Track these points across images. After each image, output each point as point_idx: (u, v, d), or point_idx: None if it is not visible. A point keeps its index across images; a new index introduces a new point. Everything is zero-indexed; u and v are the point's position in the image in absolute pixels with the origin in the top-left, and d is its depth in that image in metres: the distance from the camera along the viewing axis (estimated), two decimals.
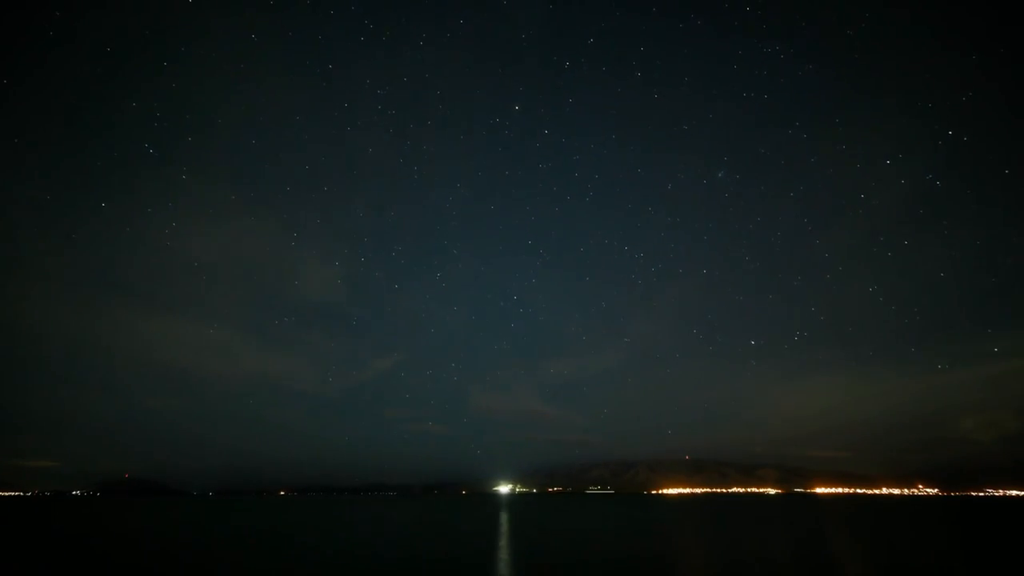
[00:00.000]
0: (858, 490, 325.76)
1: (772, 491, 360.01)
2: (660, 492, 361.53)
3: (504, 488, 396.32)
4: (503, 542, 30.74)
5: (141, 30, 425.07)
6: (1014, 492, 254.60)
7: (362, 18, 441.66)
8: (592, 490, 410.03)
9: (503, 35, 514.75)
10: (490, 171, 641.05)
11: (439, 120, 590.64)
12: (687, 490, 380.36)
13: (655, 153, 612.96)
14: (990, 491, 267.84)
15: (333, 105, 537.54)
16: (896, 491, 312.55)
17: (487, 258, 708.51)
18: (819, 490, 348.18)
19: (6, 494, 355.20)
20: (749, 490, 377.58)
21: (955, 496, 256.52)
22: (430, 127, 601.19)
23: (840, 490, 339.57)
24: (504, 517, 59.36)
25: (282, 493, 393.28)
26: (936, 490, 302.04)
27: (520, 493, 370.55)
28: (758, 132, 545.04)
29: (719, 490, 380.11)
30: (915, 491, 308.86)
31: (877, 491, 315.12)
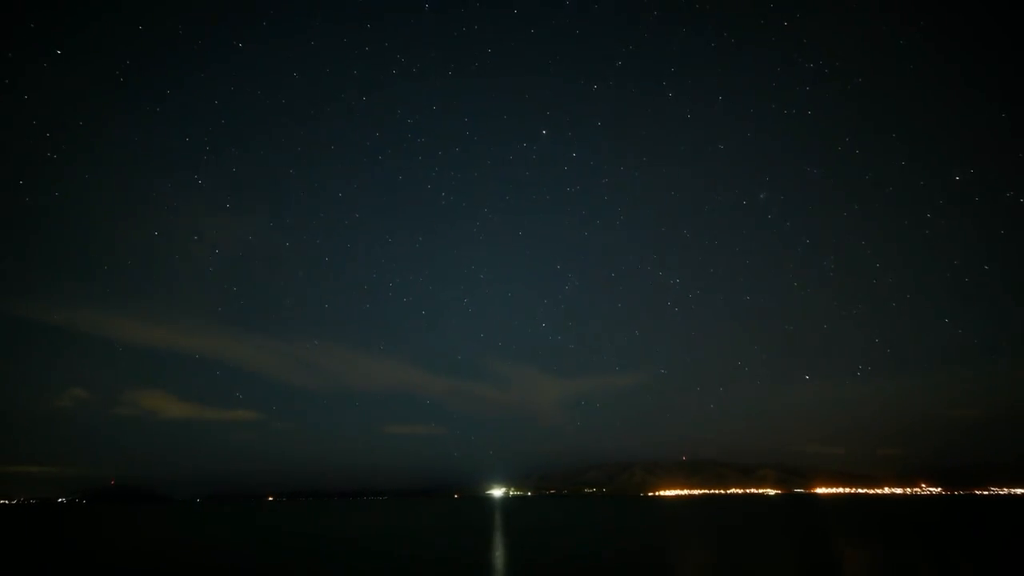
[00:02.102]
0: (860, 490, 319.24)
1: (771, 492, 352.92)
2: (657, 494, 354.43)
3: (498, 491, 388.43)
4: (496, 547, 29.42)
5: (196, 72, 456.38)
6: (1018, 490, 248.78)
7: (394, 52, 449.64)
8: (588, 492, 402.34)
9: (529, 60, 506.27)
10: (517, 195, 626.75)
11: (466, 146, 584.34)
12: (684, 492, 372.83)
13: (689, 174, 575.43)
14: (994, 489, 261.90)
15: (365, 135, 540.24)
16: (899, 490, 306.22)
17: (514, 284, 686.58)
18: (820, 490, 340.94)
19: None
20: (748, 491, 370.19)
21: (959, 495, 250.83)
22: (457, 153, 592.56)
23: (841, 490, 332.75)
24: (497, 520, 57.10)
25: (270, 498, 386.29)
26: (939, 489, 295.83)
27: (514, 496, 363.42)
28: (803, 150, 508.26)
29: (717, 491, 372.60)
30: (918, 490, 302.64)
31: (879, 491, 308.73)
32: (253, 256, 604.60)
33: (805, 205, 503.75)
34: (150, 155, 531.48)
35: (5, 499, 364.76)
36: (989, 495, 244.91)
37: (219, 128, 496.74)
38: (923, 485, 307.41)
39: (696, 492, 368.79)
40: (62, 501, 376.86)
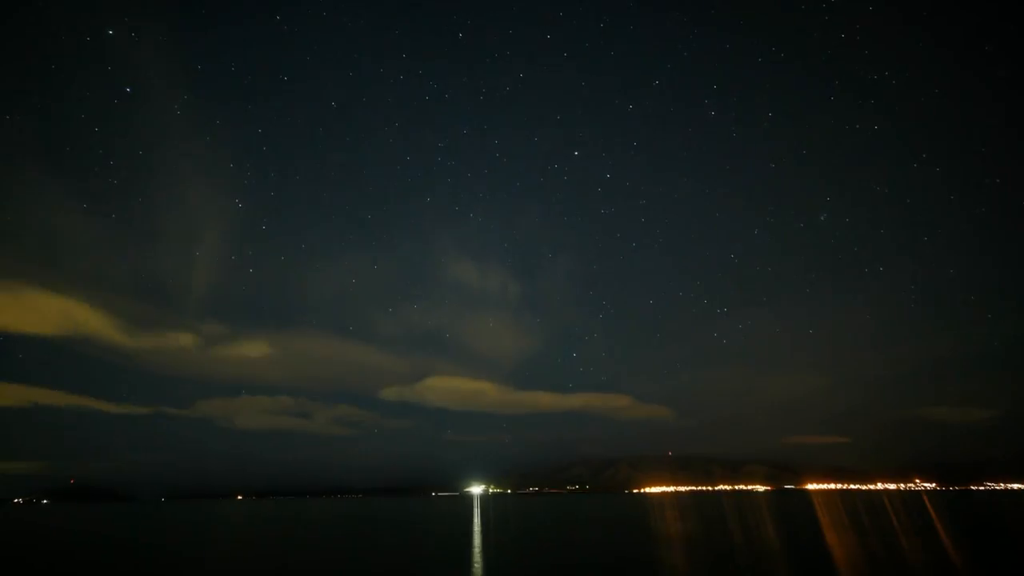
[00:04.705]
0: (852, 486, 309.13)
1: (760, 488, 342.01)
2: (642, 491, 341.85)
3: (477, 489, 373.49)
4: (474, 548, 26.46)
5: (244, 103, 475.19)
6: (1015, 486, 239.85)
7: (427, 79, 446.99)
8: (571, 489, 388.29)
9: (562, 83, 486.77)
10: (548, 218, 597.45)
11: (497, 167, 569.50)
12: (671, 488, 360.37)
13: (736, 195, 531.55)
14: (990, 484, 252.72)
15: (397, 159, 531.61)
16: (892, 486, 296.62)
17: (544, 310, 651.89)
18: (810, 486, 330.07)
19: None
20: (736, 487, 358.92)
21: (954, 491, 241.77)
22: (486, 175, 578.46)
23: (832, 486, 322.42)
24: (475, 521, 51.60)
25: (239, 497, 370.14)
26: (934, 484, 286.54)
27: (494, 494, 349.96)
28: (871, 168, 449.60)
29: (705, 488, 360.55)
30: (912, 486, 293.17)
31: (872, 487, 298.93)
32: (285, 274, 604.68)
33: (876, 228, 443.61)
34: (196, 181, 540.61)
35: None
36: (985, 490, 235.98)
37: (260, 155, 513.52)
38: (918, 480, 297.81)
39: (683, 489, 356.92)
40: (18, 501, 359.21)
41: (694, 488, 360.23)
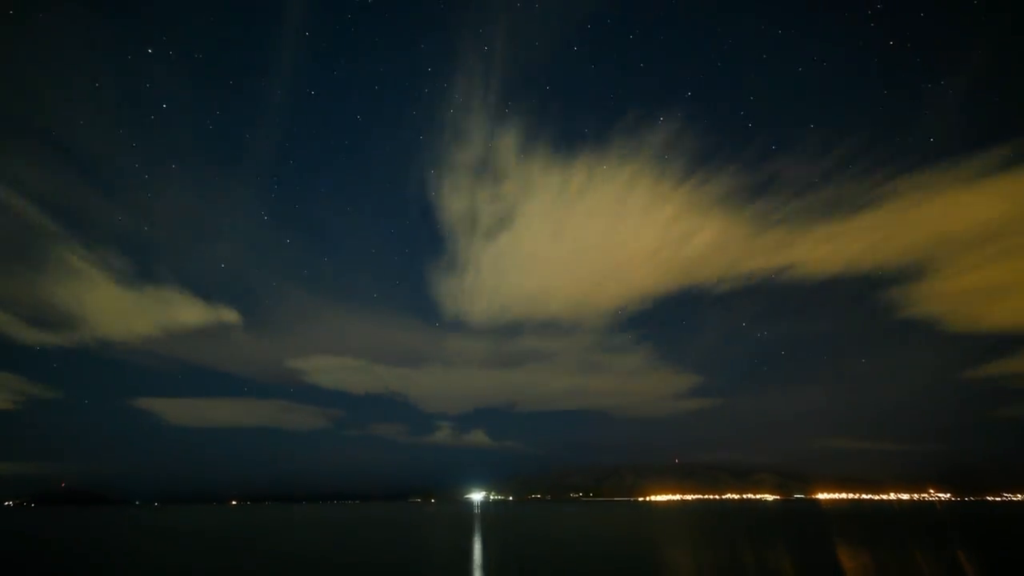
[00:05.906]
0: (864, 496, 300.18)
1: (770, 497, 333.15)
2: (647, 499, 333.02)
3: (477, 496, 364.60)
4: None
5: (272, 116, 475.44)
6: None
7: (451, 91, 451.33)
8: (573, 496, 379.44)
9: (590, 95, 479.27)
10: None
11: (518, 178, 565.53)
12: (676, 496, 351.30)
13: (780, 211, 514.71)
14: (1008, 496, 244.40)
15: (420, 172, 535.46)
16: (906, 496, 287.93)
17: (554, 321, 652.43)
18: (821, 496, 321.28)
19: None
20: (745, 496, 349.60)
21: (970, 502, 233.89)
22: (500, 181, 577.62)
23: (844, 496, 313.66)
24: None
25: (233, 503, 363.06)
26: (949, 495, 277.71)
27: (495, 501, 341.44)
28: (916, 181, 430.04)
29: (712, 496, 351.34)
30: (926, 496, 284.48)
31: (885, 497, 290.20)
32: (301, 281, 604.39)
33: None
34: (223, 188, 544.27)
35: None
36: (1004, 502, 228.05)
37: (285, 167, 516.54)
38: (931, 491, 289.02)
39: (689, 497, 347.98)
40: (9, 504, 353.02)
41: (701, 496, 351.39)
